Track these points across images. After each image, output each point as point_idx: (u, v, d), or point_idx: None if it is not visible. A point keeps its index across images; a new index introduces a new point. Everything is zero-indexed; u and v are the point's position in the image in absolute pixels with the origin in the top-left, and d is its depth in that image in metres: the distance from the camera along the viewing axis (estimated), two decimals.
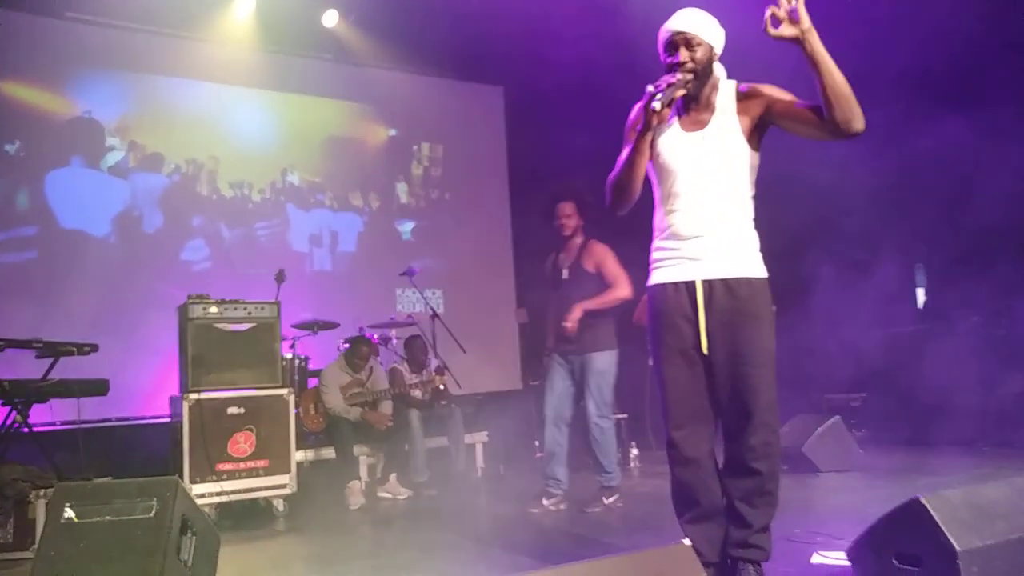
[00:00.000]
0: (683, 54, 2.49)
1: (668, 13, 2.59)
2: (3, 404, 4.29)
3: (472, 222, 8.52)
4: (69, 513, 2.79)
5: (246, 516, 4.66)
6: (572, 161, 7.79)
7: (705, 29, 2.51)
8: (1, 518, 3.82)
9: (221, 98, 7.45)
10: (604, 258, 4.43)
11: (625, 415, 6.22)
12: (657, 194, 2.67)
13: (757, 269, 2.57)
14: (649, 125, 2.47)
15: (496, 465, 6.06)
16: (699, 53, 2.49)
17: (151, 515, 2.76)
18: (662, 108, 2.38)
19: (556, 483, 4.40)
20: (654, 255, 2.68)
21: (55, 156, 6.59)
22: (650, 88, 2.41)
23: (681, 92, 2.47)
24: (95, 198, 6.70)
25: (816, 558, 2.94)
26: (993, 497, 2.43)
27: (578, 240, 4.55)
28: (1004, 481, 2.52)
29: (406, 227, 8.17)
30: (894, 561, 2.41)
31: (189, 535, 2.88)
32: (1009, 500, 2.43)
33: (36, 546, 3.62)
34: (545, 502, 4.37)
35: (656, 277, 2.66)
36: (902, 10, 5.83)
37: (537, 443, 6.58)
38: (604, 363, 4.39)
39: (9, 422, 4.27)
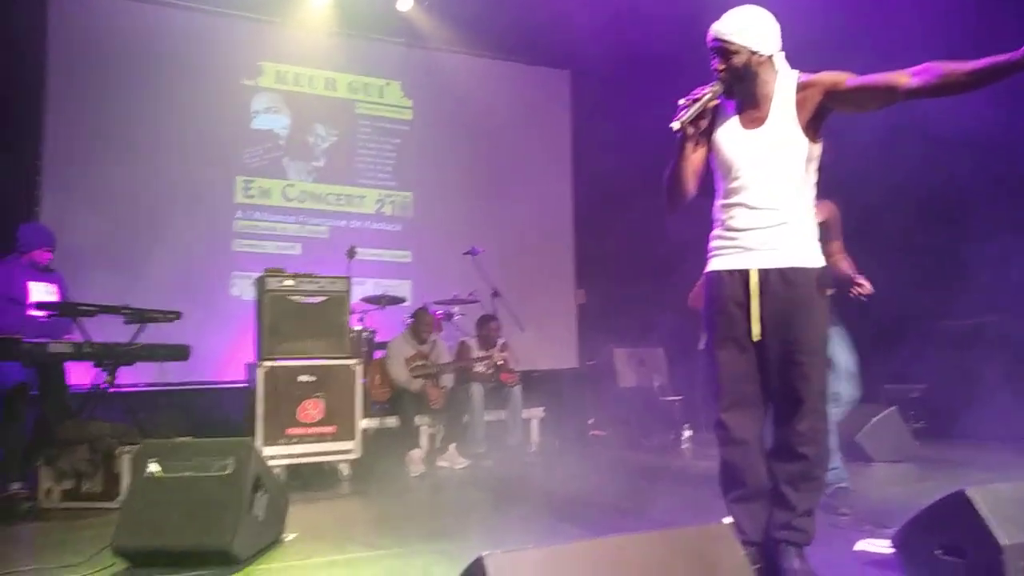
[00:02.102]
0: (718, 64, 2.57)
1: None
2: (94, 365, 4.62)
3: (536, 204, 8.61)
4: (154, 467, 3.04)
5: (313, 478, 4.91)
6: (635, 144, 7.81)
7: (743, 34, 2.54)
8: (91, 471, 4.14)
9: (299, 80, 7.74)
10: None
11: (680, 396, 6.27)
12: (718, 187, 2.73)
13: (813, 259, 2.60)
14: (684, 139, 2.61)
15: (551, 440, 6.19)
16: (735, 60, 2.54)
17: (228, 473, 2.98)
18: (681, 127, 2.53)
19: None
20: (712, 244, 2.75)
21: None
22: (680, 102, 2.54)
23: (712, 104, 2.59)
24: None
25: (860, 545, 2.97)
26: None
27: None
28: None
29: (468, 206, 8.31)
30: (939, 552, 2.44)
31: (261, 493, 3.09)
32: None
33: (122, 497, 3.97)
34: None
35: (713, 264, 2.72)
36: None
37: (591, 421, 6.71)
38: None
39: (98, 382, 4.60)
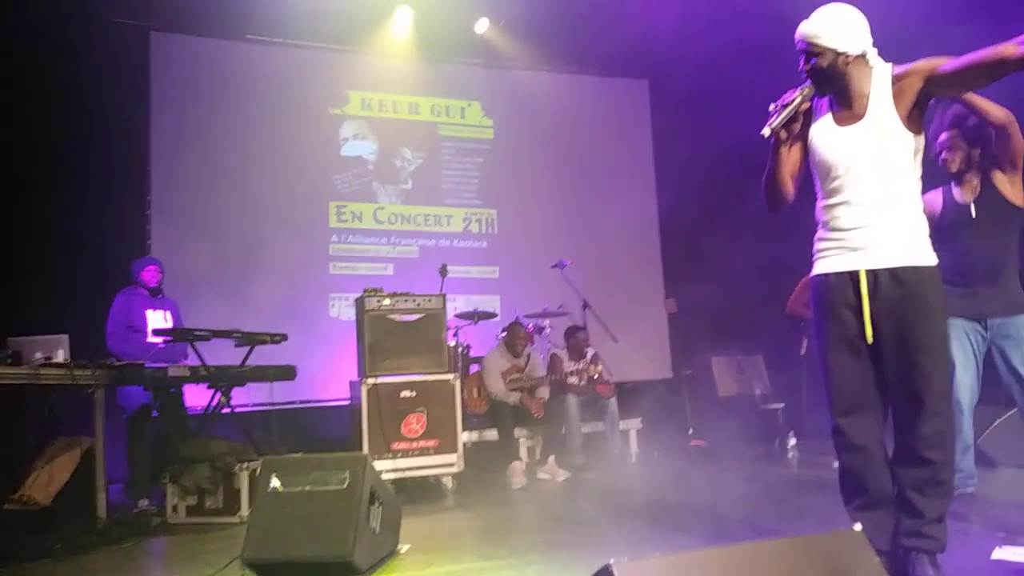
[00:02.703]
0: (805, 65, 2.55)
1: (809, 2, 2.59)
2: (208, 387, 4.85)
3: (620, 214, 8.60)
4: (275, 483, 3.16)
5: (418, 491, 5.01)
6: (717, 150, 7.71)
7: (828, 34, 2.50)
8: (212, 487, 4.34)
9: (384, 106, 8.01)
10: None
11: (783, 404, 6.11)
12: (818, 188, 2.68)
13: (925, 256, 2.52)
14: (778, 143, 2.61)
15: (650, 451, 6.13)
16: (822, 61, 2.51)
17: (344, 486, 3.08)
18: (774, 132, 2.53)
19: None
20: (817, 246, 2.69)
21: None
22: (771, 107, 2.54)
23: (805, 107, 2.58)
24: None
25: (998, 553, 2.83)
26: None
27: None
28: None
29: (552, 220, 8.36)
30: None
31: (377, 505, 3.18)
32: None
33: (243, 512, 4.16)
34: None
35: (819, 267, 2.67)
36: None
37: (691, 431, 6.61)
38: None
39: (214, 403, 4.83)
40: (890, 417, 2.60)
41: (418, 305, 5.22)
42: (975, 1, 5.05)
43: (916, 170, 2.55)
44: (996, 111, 3.26)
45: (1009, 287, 3.48)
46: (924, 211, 3.64)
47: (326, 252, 7.56)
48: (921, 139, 2.53)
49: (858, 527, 2.08)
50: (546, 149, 8.53)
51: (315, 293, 7.38)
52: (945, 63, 2.40)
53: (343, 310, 7.33)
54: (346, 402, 5.66)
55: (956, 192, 3.61)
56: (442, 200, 8.16)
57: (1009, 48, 2.26)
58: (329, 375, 6.68)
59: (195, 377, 4.67)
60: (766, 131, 2.53)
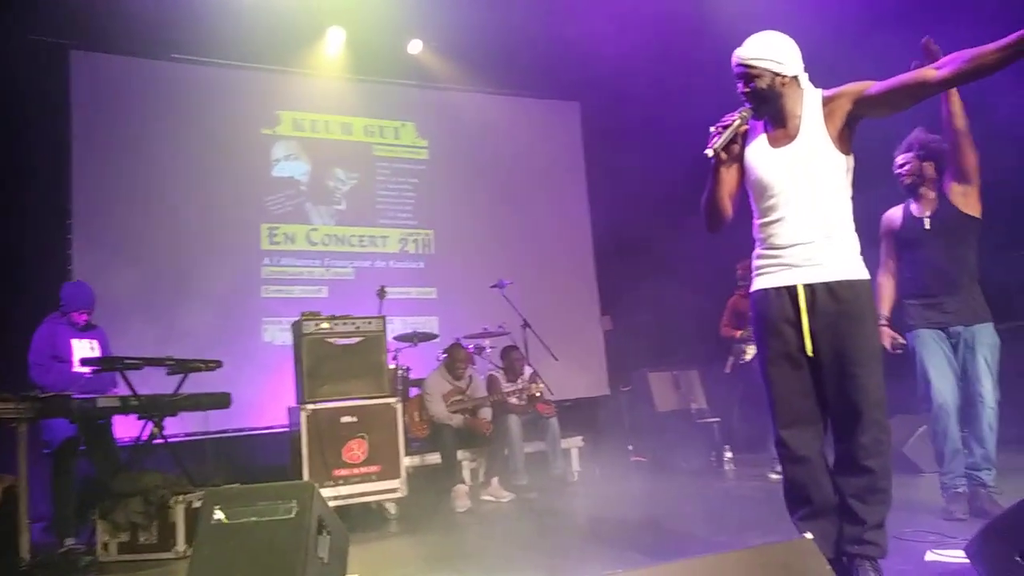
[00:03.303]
0: (743, 87, 2.66)
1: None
2: (138, 417, 4.66)
3: (555, 234, 8.74)
4: (219, 515, 3.05)
5: (361, 518, 4.91)
6: (648, 170, 7.91)
7: (765, 57, 2.62)
8: (146, 521, 4.17)
9: (316, 127, 7.91)
10: None
11: (718, 418, 6.26)
12: (754, 207, 2.78)
13: (857, 271, 2.64)
14: (718, 164, 2.70)
15: (592, 468, 6.18)
16: (760, 83, 2.63)
17: (292, 516, 3.00)
18: (715, 153, 2.62)
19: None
20: (756, 263, 2.79)
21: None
22: (712, 129, 2.64)
23: (743, 129, 2.69)
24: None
25: (930, 555, 2.96)
26: None
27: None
28: None
29: (489, 241, 8.39)
30: (1018, 558, 2.43)
31: (325, 534, 3.10)
32: None
33: (179, 547, 4.00)
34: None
35: (759, 283, 2.76)
36: None
37: (631, 447, 6.70)
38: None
39: (146, 434, 4.64)
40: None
41: (357, 328, 5.14)
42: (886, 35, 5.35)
43: (847, 189, 2.68)
44: (961, 116, 3.47)
45: (969, 297, 3.65)
46: (886, 225, 3.87)
47: (258, 275, 7.39)
48: (851, 159, 2.66)
49: (809, 536, 2.16)
50: (481, 169, 8.57)
51: (247, 317, 7.20)
52: (873, 86, 2.54)
53: (276, 334, 7.18)
54: (284, 429, 5.52)
55: (914, 207, 3.81)
56: (377, 221, 8.10)
57: (930, 72, 2.41)
58: (265, 402, 6.52)
59: (125, 407, 4.49)
60: (709, 152, 2.61)
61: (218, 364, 4.95)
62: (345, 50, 7.77)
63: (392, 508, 4.95)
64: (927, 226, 3.73)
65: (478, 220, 8.44)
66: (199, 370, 4.82)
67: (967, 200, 3.66)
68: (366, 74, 8.09)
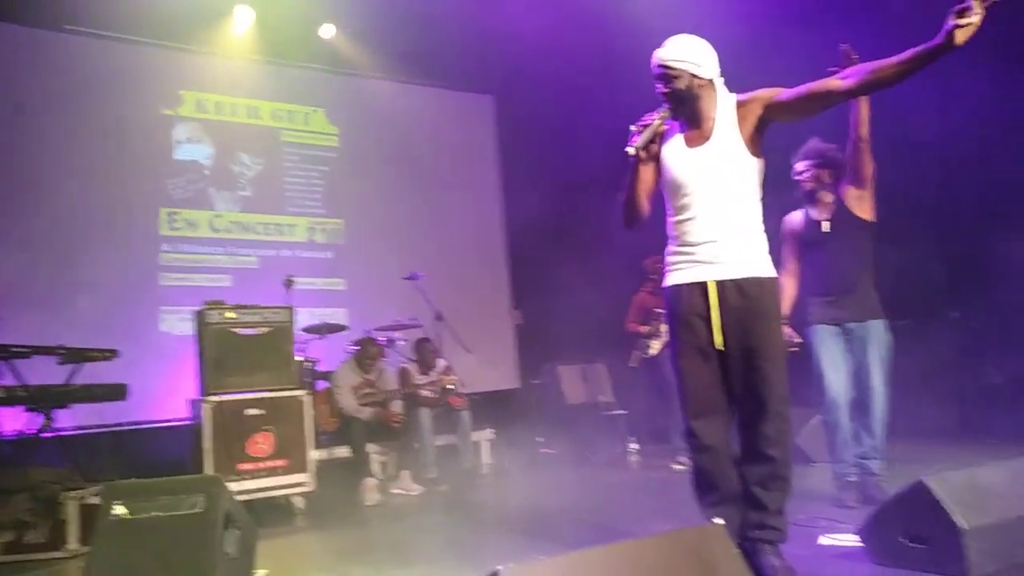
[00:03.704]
0: (663, 88, 2.76)
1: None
2: (27, 409, 4.39)
3: (468, 226, 8.72)
4: (119, 510, 2.92)
5: (266, 513, 4.78)
6: (561, 167, 8.03)
7: (684, 59, 2.73)
8: (34, 519, 3.93)
9: (221, 109, 7.62)
10: None
11: (625, 411, 6.43)
12: (668, 205, 2.87)
13: (766, 269, 2.77)
14: (637, 162, 2.78)
15: (502, 461, 6.23)
16: (679, 84, 2.73)
17: (199, 511, 2.90)
18: (636, 152, 2.70)
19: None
20: (669, 259, 2.89)
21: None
22: (632, 128, 2.72)
23: (662, 129, 2.78)
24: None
25: (824, 540, 3.14)
26: (991, 479, 2.65)
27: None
28: (1001, 464, 2.74)
29: (400, 231, 8.31)
30: (903, 539, 2.62)
31: (233, 529, 3.02)
32: (1005, 481, 2.65)
33: (72, 545, 3.79)
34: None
35: (672, 279, 2.86)
36: None
37: (540, 439, 6.79)
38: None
39: (35, 427, 4.38)
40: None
41: (264, 319, 5.00)
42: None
43: (757, 191, 2.80)
44: (866, 124, 3.70)
45: (864, 296, 3.90)
46: (788, 228, 4.06)
47: (156, 262, 7.05)
48: (762, 162, 2.79)
49: (719, 521, 2.25)
50: (394, 159, 8.46)
51: (143, 306, 6.85)
52: (783, 92, 2.68)
53: (175, 324, 6.87)
54: (183, 423, 5.31)
55: (813, 211, 4.03)
56: (284, 209, 7.87)
57: (835, 82, 2.56)
58: (162, 394, 6.23)
59: (12, 399, 4.22)
60: (630, 150, 2.69)
61: (114, 353, 4.73)
62: (254, 31, 7.50)
63: (299, 502, 4.85)
64: (825, 229, 3.95)
65: (390, 210, 8.32)
66: (94, 359, 4.59)
67: (862, 204, 3.90)
68: (275, 57, 7.85)
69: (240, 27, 7.46)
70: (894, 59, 2.40)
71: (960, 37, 2.22)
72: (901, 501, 2.66)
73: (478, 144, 9.16)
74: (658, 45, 2.79)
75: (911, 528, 2.59)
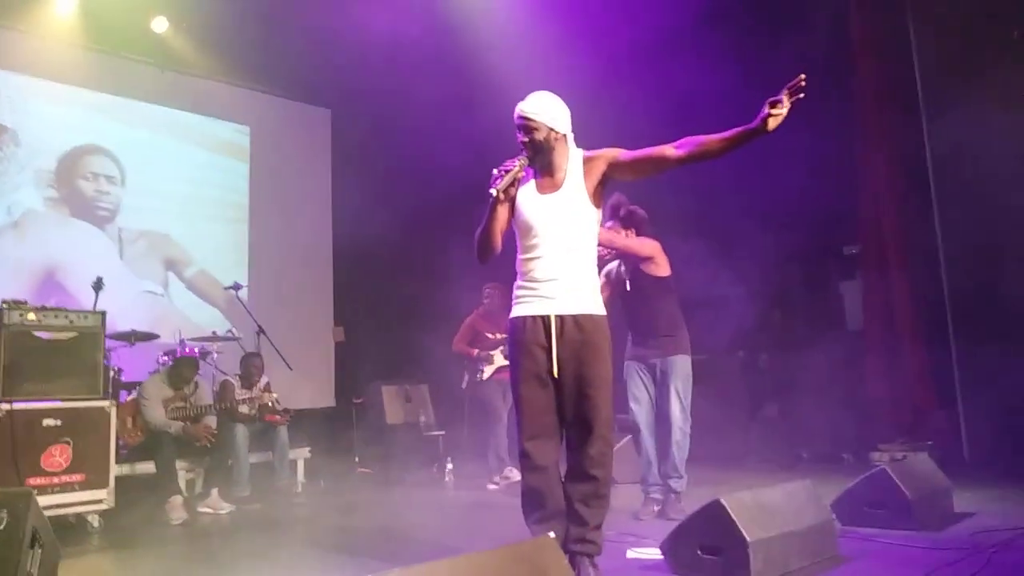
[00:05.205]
0: (523, 137, 3.01)
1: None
2: None
3: (295, 239, 8.55)
4: None
5: (56, 532, 4.39)
6: (394, 187, 8.12)
7: (544, 113, 2.99)
8: None
9: (37, 92, 6.99)
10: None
11: (444, 431, 6.57)
12: (519, 243, 3.11)
13: (598, 307, 3.07)
14: (495, 203, 2.98)
15: (317, 480, 6.14)
16: (538, 135, 2.99)
17: (1, 527, 2.68)
18: (498, 194, 2.93)
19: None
20: (516, 293, 3.12)
21: None
22: (494, 172, 2.94)
23: (520, 175, 3.00)
24: None
25: (631, 553, 3.45)
26: (772, 498, 3.07)
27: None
28: (779, 485, 3.19)
29: (228, 241, 7.99)
30: (699, 552, 2.97)
31: (36, 548, 2.82)
32: (783, 500, 3.09)
33: None
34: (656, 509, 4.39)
35: (517, 311, 3.08)
36: None
37: (357, 459, 6.76)
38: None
39: None
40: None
41: (71, 322, 4.65)
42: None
43: (595, 237, 3.11)
44: (618, 245, 4.32)
45: (668, 338, 4.41)
46: (604, 279, 4.49)
47: None
48: (600, 213, 3.10)
49: (552, 535, 2.45)
50: (221, 163, 8.13)
51: None
52: (624, 153, 3.00)
53: None
54: None
55: (621, 269, 4.57)
56: None
57: (669, 149, 2.91)
58: None
59: None
60: (494, 191, 2.89)
61: None
62: (78, 14, 6.93)
63: (95, 520, 4.50)
64: (628, 288, 4.49)
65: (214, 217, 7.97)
66: None
67: (656, 266, 4.46)
68: (100, 44, 7.31)
69: (62, 7, 6.87)
70: (719, 136, 2.78)
71: (772, 124, 2.65)
72: (698, 517, 3.01)
73: (312, 157, 9.04)
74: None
75: (706, 541, 2.94)
